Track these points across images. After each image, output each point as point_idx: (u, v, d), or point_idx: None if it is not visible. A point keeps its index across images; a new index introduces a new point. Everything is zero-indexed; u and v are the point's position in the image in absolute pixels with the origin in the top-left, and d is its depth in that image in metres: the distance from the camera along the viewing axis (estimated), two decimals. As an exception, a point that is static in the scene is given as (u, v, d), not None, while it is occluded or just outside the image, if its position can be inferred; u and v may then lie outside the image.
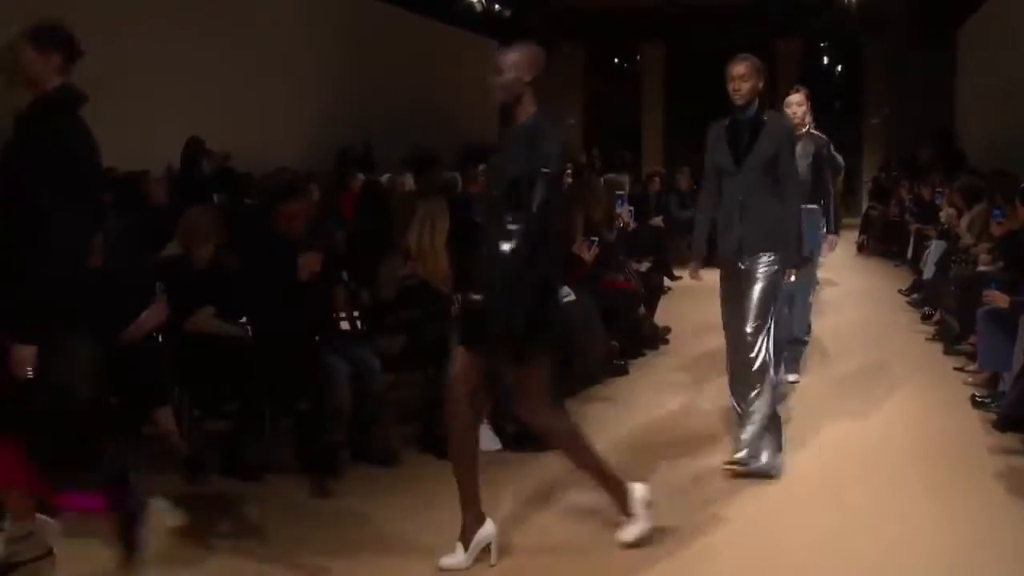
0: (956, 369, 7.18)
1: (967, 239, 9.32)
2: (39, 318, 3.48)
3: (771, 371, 5.08)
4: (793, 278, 5.33)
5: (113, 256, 5.27)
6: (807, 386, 6.82)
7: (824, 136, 6.90)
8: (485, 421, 5.39)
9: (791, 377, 6.84)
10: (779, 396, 5.49)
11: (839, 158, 7.51)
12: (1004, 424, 5.59)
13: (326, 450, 5.07)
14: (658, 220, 12.17)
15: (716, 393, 6.51)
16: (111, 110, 10.16)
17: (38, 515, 3.71)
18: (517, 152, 3.88)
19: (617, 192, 9.54)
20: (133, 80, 10.57)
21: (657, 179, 13.47)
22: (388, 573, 3.99)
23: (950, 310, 7.95)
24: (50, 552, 3.78)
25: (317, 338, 5.30)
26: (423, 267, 5.70)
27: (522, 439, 5.33)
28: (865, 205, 17.29)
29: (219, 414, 5.28)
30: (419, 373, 5.89)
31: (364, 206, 9.23)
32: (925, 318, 9.12)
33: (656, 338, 8.08)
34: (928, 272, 9.84)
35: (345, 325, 6.28)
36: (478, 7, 19.32)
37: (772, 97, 5.30)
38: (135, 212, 7.38)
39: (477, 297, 3.85)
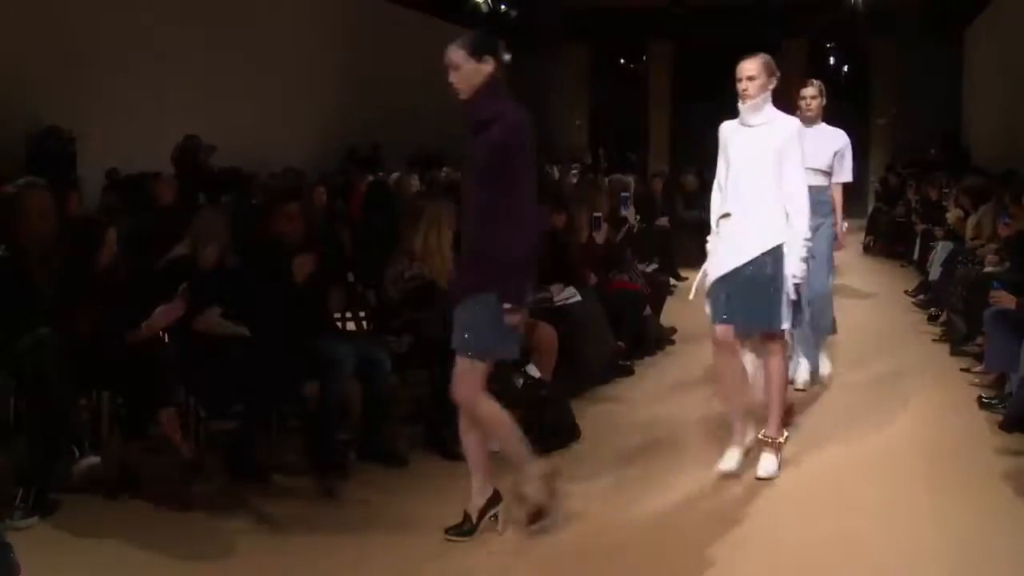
0: (963, 370, 7.16)
1: (974, 240, 9.31)
2: None
3: None
4: None
5: (122, 256, 5.32)
6: (813, 387, 6.81)
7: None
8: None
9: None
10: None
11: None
12: (1011, 425, 5.59)
13: (333, 450, 5.08)
14: (664, 221, 12.17)
15: (722, 394, 6.54)
16: (118, 113, 10.27)
17: None
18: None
19: (622, 193, 9.56)
20: (139, 83, 10.61)
21: (660, 179, 13.46)
22: (397, 573, 4.00)
23: (957, 311, 7.93)
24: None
25: (319, 334, 5.31)
26: (429, 268, 5.71)
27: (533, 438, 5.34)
28: (871, 205, 17.26)
29: (225, 415, 5.29)
30: (424, 373, 5.89)
31: (371, 206, 9.26)
32: (931, 319, 9.10)
33: (662, 339, 8.08)
34: (934, 273, 9.83)
35: (351, 326, 6.31)
36: (484, 7, 19.33)
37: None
38: (144, 212, 7.42)
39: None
